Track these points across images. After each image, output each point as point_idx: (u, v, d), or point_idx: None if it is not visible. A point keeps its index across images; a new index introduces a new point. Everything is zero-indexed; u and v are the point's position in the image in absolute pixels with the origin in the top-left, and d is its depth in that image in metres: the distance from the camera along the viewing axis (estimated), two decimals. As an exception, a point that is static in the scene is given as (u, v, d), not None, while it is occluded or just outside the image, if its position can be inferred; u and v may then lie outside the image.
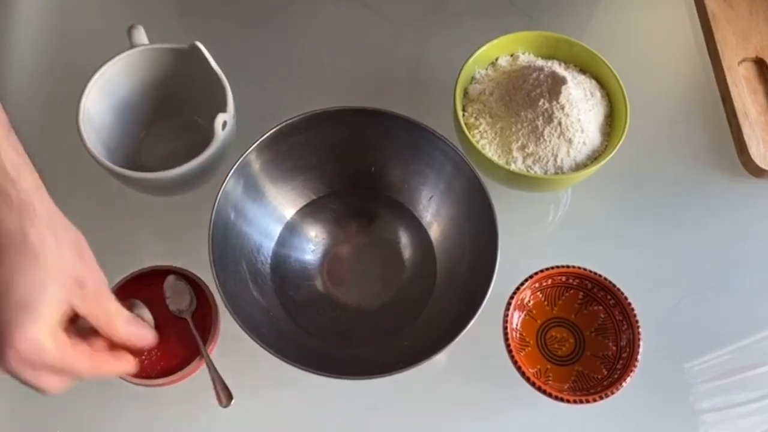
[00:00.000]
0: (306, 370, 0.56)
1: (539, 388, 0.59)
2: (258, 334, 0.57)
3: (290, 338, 0.63)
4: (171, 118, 0.71)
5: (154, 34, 0.68)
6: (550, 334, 0.65)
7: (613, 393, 0.60)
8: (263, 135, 0.63)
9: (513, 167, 0.66)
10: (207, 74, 0.64)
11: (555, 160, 0.66)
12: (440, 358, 0.57)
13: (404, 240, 0.69)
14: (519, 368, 0.60)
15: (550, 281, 0.65)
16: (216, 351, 0.62)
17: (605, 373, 0.62)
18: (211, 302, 0.62)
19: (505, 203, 0.64)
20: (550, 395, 0.59)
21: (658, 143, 0.76)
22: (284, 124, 0.64)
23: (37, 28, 0.79)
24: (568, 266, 0.64)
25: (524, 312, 0.65)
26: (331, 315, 0.66)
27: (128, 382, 0.59)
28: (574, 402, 0.59)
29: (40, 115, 0.74)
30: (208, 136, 0.62)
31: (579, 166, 0.67)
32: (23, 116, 0.74)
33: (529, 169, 0.67)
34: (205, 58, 0.64)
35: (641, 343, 0.61)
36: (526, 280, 0.64)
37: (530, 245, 0.71)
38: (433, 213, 0.68)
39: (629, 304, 0.63)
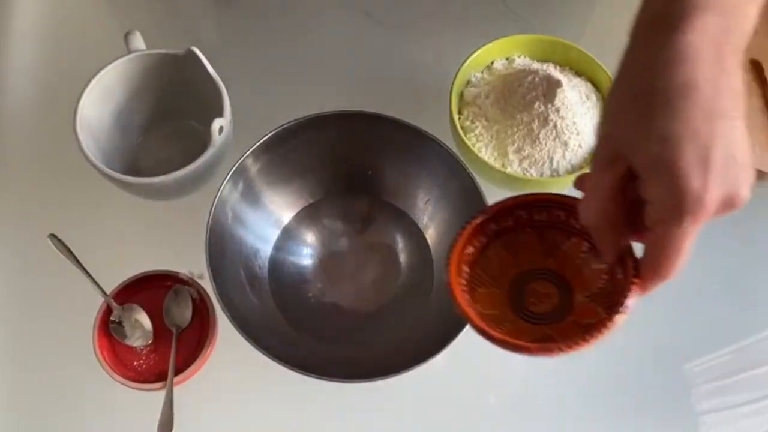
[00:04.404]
0: (304, 374, 0.56)
1: (480, 329, 0.47)
2: (256, 338, 0.57)
3: (288, 342, 0.63)
4: (168, 123, 0.72)
5: (151, 39, 0.68)
6: (533, 286, 0.51)
7: (581, 344, 0.44)
8: (260, 139, 0.64)
9: (509, 170, 0.66)
10: (204, 79, 0.65)
11: (551, 162, 0.66)
12: (439, 359, 0.57)
13: (401, 243, 0.69)
14: (454, 298, 0.48)
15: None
16: (213, 355, 0.62)
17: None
18: (208, 306, 0.62)
19: (501, 206, 0.64)
20: (492, 339, 0.46)
21: (654, 145, 0.76)
22: (281, 128, 0.64)
23: (35, 34, 0.79)
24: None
25: (504, 248, 0.52)
26: (328, 318, 0.66)
27: (125, 386, 0.59)
28: (537, 352, 0.45)
29: (38, 121, 0.75)
30: (205, 141, 0.62)
31: (575, 169, 0.67)
32: (21, 121, 0.75)
33: (525, 171, 0.67)
34: (202, 63, 0.64)
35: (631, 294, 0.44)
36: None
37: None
38: (429, 216, 0.68)
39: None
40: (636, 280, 0.43)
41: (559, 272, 0.51)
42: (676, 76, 0.38)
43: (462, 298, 0.49)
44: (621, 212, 0.42)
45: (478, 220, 0.51)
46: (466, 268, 0.51)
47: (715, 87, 0.38)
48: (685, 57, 0.38)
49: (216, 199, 0.61)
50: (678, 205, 0.38)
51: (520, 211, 0.52)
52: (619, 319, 0.44)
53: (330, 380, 0.56)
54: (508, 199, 0.51)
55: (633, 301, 0.44)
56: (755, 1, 0.40)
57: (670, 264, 0.41)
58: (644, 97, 0.39)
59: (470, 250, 0.51)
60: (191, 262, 0.64)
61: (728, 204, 0.39)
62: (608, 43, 0.82)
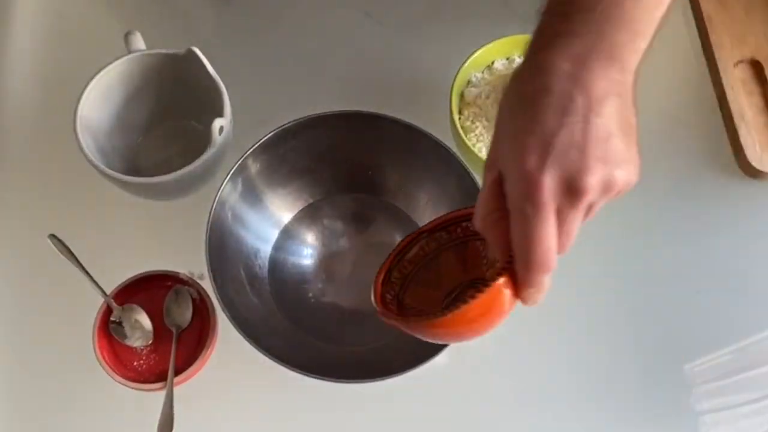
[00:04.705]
0: (304, 374, 0.56)
1: (377, 305, 0.53)
2: (256, 338, 0.57)
3: (288, 342, 0.63)
4: (168, 123, 0.72)
5: (151, 39, 0.68)
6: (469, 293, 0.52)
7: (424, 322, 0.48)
8: (260, 139, 0.64)
9: (509, 170, 0.66)
10: (204, 79, 0.65)
11: (551, 162, 0.66)
12: (439, 360, 0.57)
13: (401, 243, 0.69)
14: (376, 280, 0.54)
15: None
16: (213, 355, 0.62)
17: None
18: (208, 306, 0.62)
19: (501, 206, 0.64)
20: (383, 314, 0.52)
21: (654, 145, 0.76)
22: (280, 128, 0.64)
23: (35, 34, 0.79)
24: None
25: (455, 257, 0.57)
26: (328, 319, 0.66)
27: (125, 386, 0.59)
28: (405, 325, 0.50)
29: (38, 121, 0.75)
30: (205, 141, 0.62)
31: (575, 168, 0.67)
32: (21, 122, 0.75)
33: (525, 171, 0.67)
34: (202, 63, 0.64)
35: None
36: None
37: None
38: (429, 216, 0.68)
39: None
40: (503, 272, 0.44)
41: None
42: (533, 83, 0.42)
43: (378, 281, 0.55)
44: (503, 214, 0.44)
45: (425, 228, 0.56)
46: (408, 266, 0.56)
47: (567, 92, 0.41)
48: (543, 69, 0.42)
49: (216, 199, 0.61)
50: (516, 187, 0.41)
51: (466, 222, 0.55)
52: (458, 308, 0.45)
53: (330, 380, 0.56)
54: (457, 210, 0.56)
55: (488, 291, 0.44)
56: (629, 30, 0.44)
57: (528, 254, 0.42)
58: (509, 103, 0.44)
59: (416, 251, 0.56)
60: (191, 262, 0.64)
61: (570, 189, 0.40)
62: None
